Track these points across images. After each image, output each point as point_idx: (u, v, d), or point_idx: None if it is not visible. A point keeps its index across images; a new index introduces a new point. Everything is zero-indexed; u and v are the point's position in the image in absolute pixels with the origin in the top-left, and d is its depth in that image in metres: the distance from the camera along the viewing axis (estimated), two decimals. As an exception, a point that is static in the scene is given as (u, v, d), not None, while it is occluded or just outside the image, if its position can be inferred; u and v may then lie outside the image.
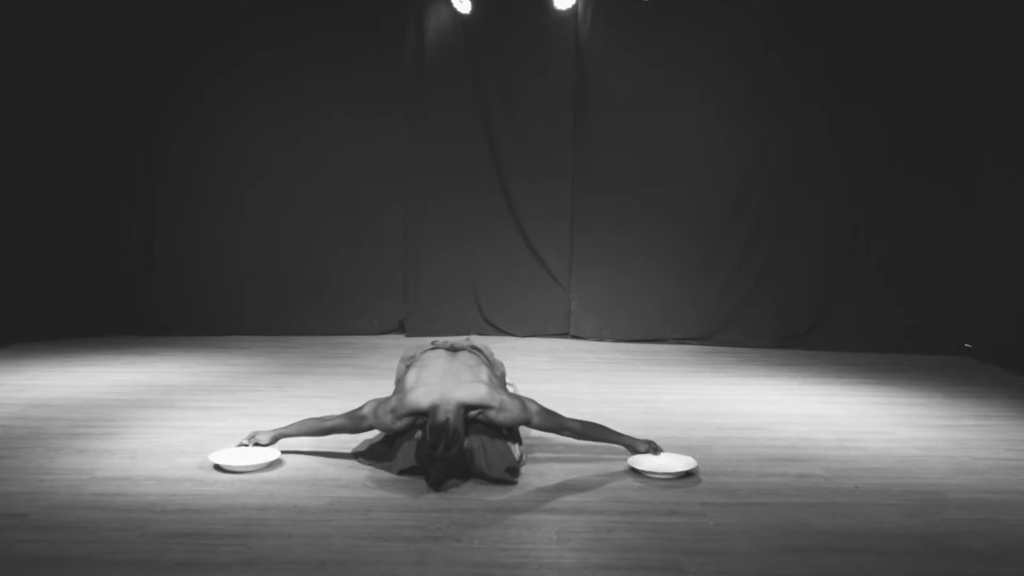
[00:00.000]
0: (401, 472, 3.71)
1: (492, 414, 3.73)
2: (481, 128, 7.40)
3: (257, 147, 7.33)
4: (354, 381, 5.67)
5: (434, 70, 7.35)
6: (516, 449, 3.87)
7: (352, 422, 3.87)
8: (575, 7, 7.15)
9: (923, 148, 6.89)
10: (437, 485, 3.54)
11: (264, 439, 3.95)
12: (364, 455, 3.92)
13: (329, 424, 3.92)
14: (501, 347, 6.81)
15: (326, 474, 3.76)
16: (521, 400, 3.83)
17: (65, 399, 5.05)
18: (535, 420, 3.81)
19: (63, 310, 7.03)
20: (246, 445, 3.93)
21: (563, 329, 7.51)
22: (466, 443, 3.67)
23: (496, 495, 3.53)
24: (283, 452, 3.95)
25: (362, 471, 3.79)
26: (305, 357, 6.45)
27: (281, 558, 2.92)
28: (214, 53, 7.25)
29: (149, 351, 6.57)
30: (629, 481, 3.72)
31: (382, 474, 3.74)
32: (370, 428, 3.87)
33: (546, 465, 3.91)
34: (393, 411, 3.75)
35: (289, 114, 7.33)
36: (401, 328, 7.42)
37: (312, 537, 3.09)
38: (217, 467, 3.77)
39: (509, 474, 3.64)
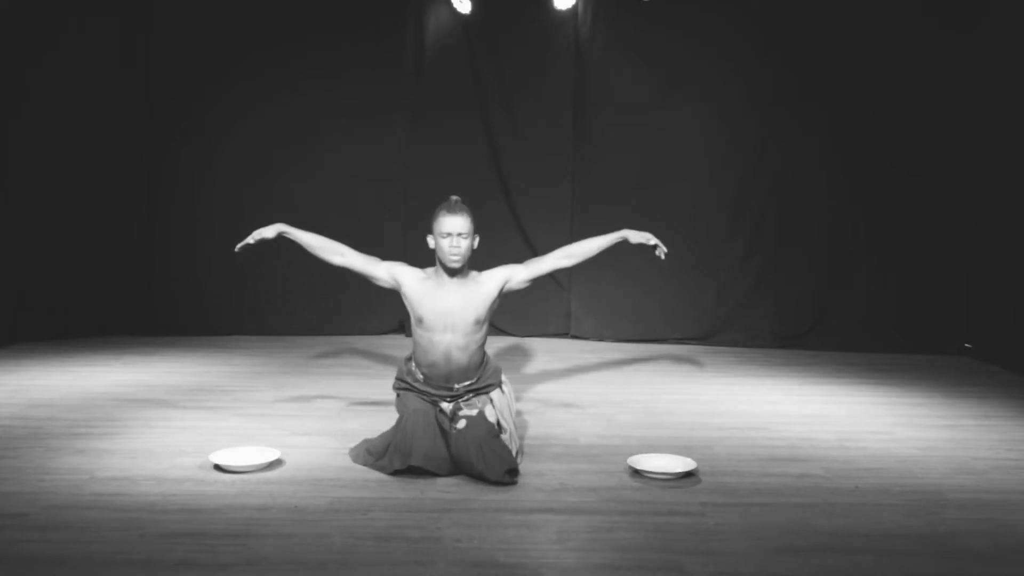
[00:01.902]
0: (396, 472, 3.72)
1: (489, 272, 4.10)
2: (481, 128, 7.40)
3: (257, 147, 7.33)
4: (354, 381, 5.67)
5: (434, 70, 7.35)
6: (513, 446, 3.87)
7: (367, 261, 4.18)
8: (575, 7, 7.15)
9: (923, 148, 6.89)
10: (456, 210, 3.97)
11: (269, 233, 4.17)
12: (361, 456, 3.92)
13: (341, 249, 4.23)
14: (501, 347, 6.83)
15: (326, 474, 3.76)
16: (511, 265, 4.19)
17: (65, 399, 5.05)
18: (522, 273, 4.18)
19: (63, 310, 7.02)
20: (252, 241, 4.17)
21: (563, 329, 7.51)
22: (462, 440, 3.71)
23: (496, 495, 3.53)
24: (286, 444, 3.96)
25: (362, 471, 3.80)
26: (305, 357, 6.45)
27: (281, 558, 2.92)
28: (214, 53, 7.25)
29: (149, 351, 6.58)
30: (629, 481, 3.72)
31: (381, 474, 3.74)
32: (383, 269, 4.14)
33: (546, 465, 3.92)
34: (410, 265, 4.10)
35: (289, 114, 7.33)
36: (401, 328, 7.41)
37: (312, 537, 3.09)
38: (217, 467, 3.77)
39: (508, 475, 3.65)
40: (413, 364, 4.05)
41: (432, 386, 3.97)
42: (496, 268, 4.15)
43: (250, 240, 4.19)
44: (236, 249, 4.27)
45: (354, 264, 4.18)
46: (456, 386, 3.96)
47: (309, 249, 4.22)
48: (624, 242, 4.27)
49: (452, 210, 3.98)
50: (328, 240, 4.24)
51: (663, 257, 4.25)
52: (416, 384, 3.99)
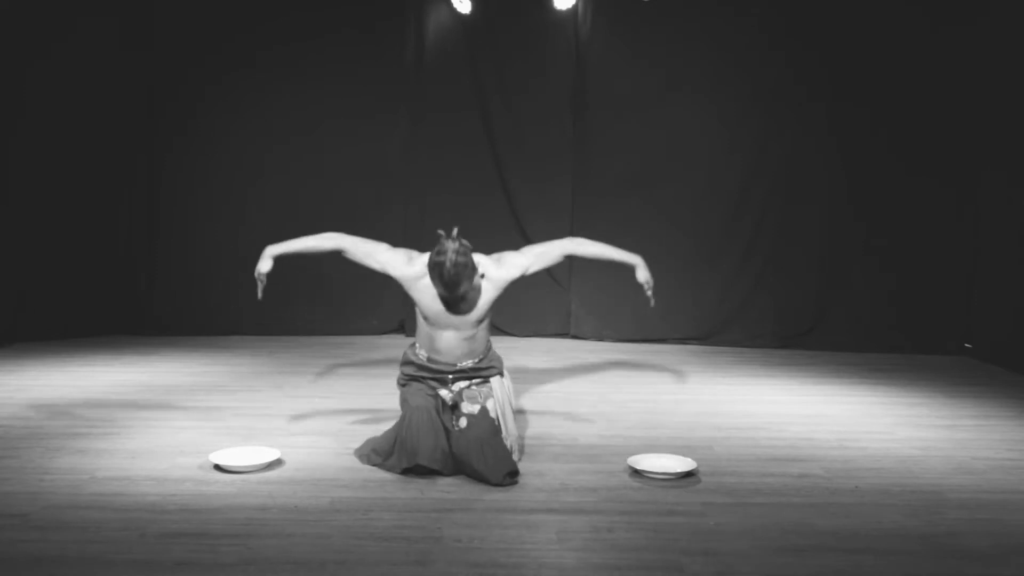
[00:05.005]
0: (404, 471, 3.72)
1: (492, 270, 3.99)
2: (481, 128, 7.39)
3: (257, 147, 7.33)
4: (354, 381, 5.67)
5: (434, 70, 7.35)
6: (514, 447, 3.87)
7: (365, 248, 4.14)
8: (575, 7, 7.15)
9: (923, 148, 6.89)
10: (452, 287, 3.74)
11: (266, 266, 4.11)
12: (366, 454, 3.92)
13: (336, 243, 4.15)
14: (501, 347, 6.81)
15: (326, 474, 3.76)
16: (514, 256, 4.07)
17: (65, 399, 5.04)
18: (534, 267, 4.08)
19: (63, 310, 7.02)
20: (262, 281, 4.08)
21: (563, 329, 7.50)
22: (464, 440, 3.71)
23: (496, 495, 3.53)
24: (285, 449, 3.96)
25: (362, 471, 3.80)
26: (305, 357, 6.45)
27: (281, 558, 2.92)
28: (214, 53, 7.25)
29: (149, 351, 6.57)
30: (629, 481, 3.72)
31: (382, 474, 3.75)
32: (378, 263, 4.10)
33: (546, 465, 3.92)
34: (411, 258, 4.07)
35: (289, 114, 7.32)
36: (401, 328, 7.41)
37: (312, 537, 3.09)
38: (217, 467, 3.77)
39: (509, 478, 3.65)
40: (417, 346, 4.04)
41: (437, 364, 3.95)
42: (503, 261, 4.05)
43: (261, 282, 4.12)
44: (260, 297, 4.15)
45: (348, 248, 4.14)
46: (460, 364, 3.95)
47: (311, 252, 4.23)
48: (632, 269, 4.33)
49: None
50: (317, 237, 4.21)
51: (652, 304, 4.39)
52: (421, 364, 3.97)
